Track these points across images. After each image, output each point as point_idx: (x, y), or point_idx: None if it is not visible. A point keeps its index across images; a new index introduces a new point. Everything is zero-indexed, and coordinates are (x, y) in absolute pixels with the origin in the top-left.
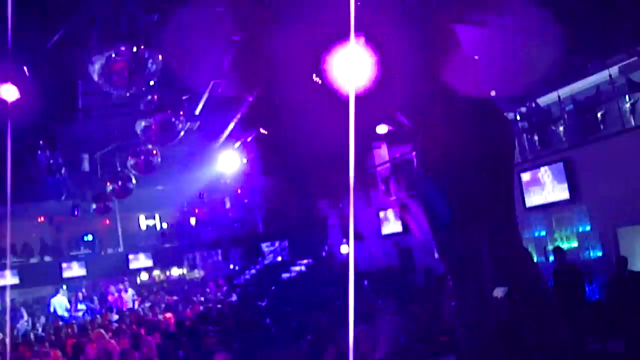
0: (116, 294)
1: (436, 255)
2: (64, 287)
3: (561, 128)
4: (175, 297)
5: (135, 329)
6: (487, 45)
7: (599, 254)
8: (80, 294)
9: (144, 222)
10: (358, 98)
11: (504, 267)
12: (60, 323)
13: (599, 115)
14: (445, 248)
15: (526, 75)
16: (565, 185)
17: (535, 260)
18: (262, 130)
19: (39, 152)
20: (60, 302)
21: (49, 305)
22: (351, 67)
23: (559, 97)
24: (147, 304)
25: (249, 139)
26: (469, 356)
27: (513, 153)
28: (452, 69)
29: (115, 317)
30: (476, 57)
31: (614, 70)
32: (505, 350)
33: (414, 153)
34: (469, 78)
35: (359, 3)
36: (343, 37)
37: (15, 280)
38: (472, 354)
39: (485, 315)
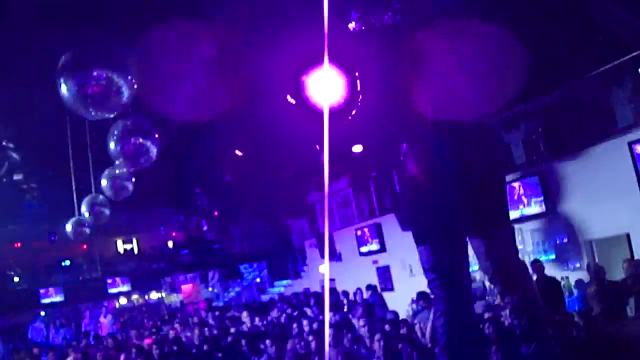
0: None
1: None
2: (42, 313)
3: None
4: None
5: (113, 354)
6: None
7: (577, 265)
8: (57, 321)
9: (121, 246)
10: (332, 119)
11: (500, 279)
12: (35, 350)
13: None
14: (430, 262)
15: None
16: (541, 199)
17: (529, 272)
18: (237, 152)
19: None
20: (38, 329)
21: (27, 331)
22: (325, 89)
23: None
24: (133, 331)
25: None
26: None
27: (502, 169)
28: (428, 91)
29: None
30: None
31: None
32: None
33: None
34: (448, 99)
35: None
36: (317, 60)
37: None
38: None
39: (472, 329)
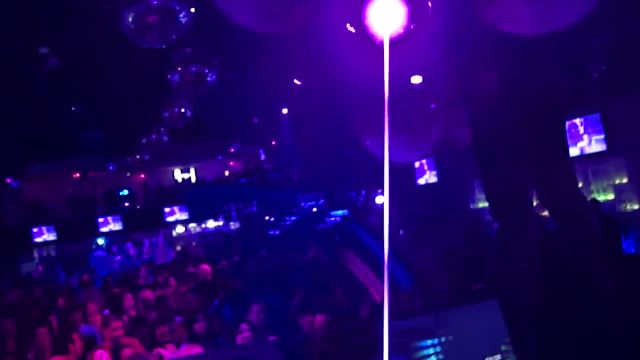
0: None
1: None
2: (102, 241)
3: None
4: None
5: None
6: None
7: (636, 207)
8: (116, 248)
9: (179, 175)
10: (393, 45)
11: (558, 210)
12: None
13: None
14: (491, 190)
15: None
16: (602, 137)
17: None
18: (296, 81)
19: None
20: (100, 257)
21: (90, 260)
22: (386, 14)
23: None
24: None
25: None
26: (512, 301)
27: (560, 101)
28: (498, 11)
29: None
30: None
31: None
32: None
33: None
34: (516, 17)
35: None
36: None
37: (53, 237)
38: (516, 299)
39: (529, 262)
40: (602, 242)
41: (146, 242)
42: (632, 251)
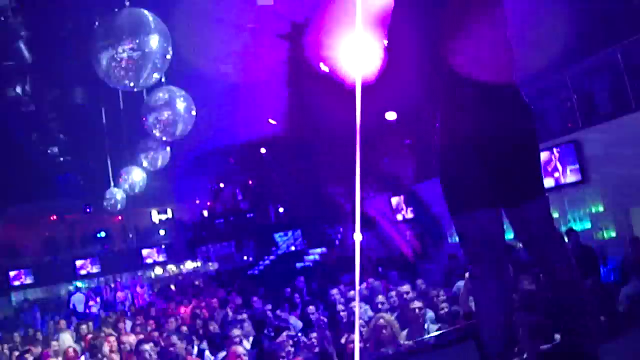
0: (124, 293)
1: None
2: (81, 284)
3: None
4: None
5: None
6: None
7: (613, 234)
8: (94, 292)
9: (156, 217)
10: (365, 84)
11: (535, 248)
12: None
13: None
14: (461, 233)
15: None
16: (577, 167)
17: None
18: (271, 121)
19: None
20: (79, 299)
21: (68, 302)
22: (358, 54)
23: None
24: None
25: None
26: (489, 346)
27: (535, 136)
28: (464, 52)
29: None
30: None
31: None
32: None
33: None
34: (485, 60)
35: None
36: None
37: (30, 280)
38: (493, 345)
39: (504, 304)
40: (581, 279)
41: (124, 284)
42: (611, 279)
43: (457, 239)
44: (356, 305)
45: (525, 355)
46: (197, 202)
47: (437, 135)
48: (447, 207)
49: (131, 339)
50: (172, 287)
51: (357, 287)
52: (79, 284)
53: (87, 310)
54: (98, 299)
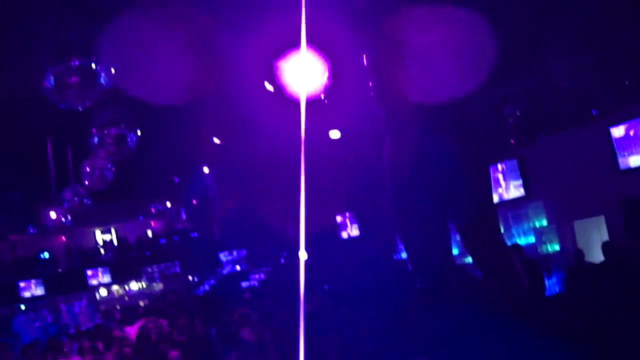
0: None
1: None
2: (23, 307)
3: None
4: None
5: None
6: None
7: (557, 248)
8: (36, 314)
9: (100, 237)
10: (310, 104)
11: (484, 264)
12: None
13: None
14: (408, 251)
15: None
16: (520, 182)
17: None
18: (215, 140)
19: None
20: (21, 323)
21: (12, 325)
22: (303, 73)
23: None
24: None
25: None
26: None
27: (484, 154)
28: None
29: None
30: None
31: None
32: None
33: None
34: (430, 82)
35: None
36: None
37: None
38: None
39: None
40: (526, 288)
41: (69, 306)
42: (557, 291)
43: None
44: (300, 323)
45: None
46: (141, 222)
47: (385, 153)
48: (398, 220)
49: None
50: (117, 307)
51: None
52: (22, 306)
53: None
54: (39, 323)
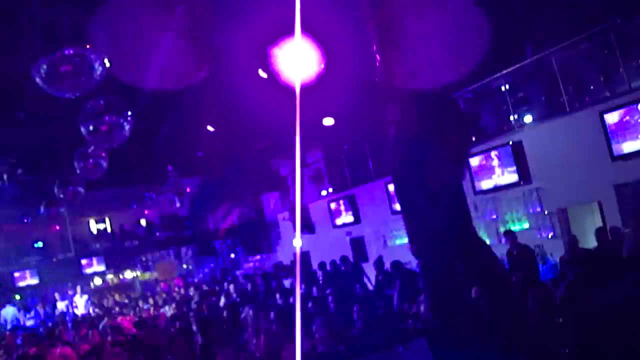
0: (63, 303)
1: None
2: (17, 296)
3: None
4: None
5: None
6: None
7: (551, 234)
8: (30, 304)
9: (94, 226)
10: (304, 91)
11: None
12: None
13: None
14: (417, 237)
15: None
16: (514, 168)
17: (488, 245)
18: (209, 128)
19: None
20: (10, 313)
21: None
22: (296, 61)
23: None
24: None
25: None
26: (440, 340)
27: (466, 145)
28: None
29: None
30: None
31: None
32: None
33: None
34: (420, 71)
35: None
36: (288, 32)
37: None
38: (444, 338)
39: (459, 306)
40: (509, 281)
41: (64, 295)
42: (550, 277)
43: (396, 242)
44: (297, 309)
45: None
46: (135, 210)
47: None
48: (402, 208)
49: (69, 351)
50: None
51: (298, 292)
52: (17, 296)
53: (21, 324)
54: (32, 312)
